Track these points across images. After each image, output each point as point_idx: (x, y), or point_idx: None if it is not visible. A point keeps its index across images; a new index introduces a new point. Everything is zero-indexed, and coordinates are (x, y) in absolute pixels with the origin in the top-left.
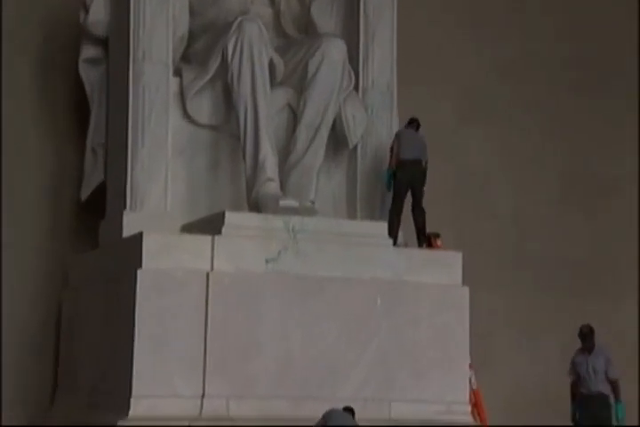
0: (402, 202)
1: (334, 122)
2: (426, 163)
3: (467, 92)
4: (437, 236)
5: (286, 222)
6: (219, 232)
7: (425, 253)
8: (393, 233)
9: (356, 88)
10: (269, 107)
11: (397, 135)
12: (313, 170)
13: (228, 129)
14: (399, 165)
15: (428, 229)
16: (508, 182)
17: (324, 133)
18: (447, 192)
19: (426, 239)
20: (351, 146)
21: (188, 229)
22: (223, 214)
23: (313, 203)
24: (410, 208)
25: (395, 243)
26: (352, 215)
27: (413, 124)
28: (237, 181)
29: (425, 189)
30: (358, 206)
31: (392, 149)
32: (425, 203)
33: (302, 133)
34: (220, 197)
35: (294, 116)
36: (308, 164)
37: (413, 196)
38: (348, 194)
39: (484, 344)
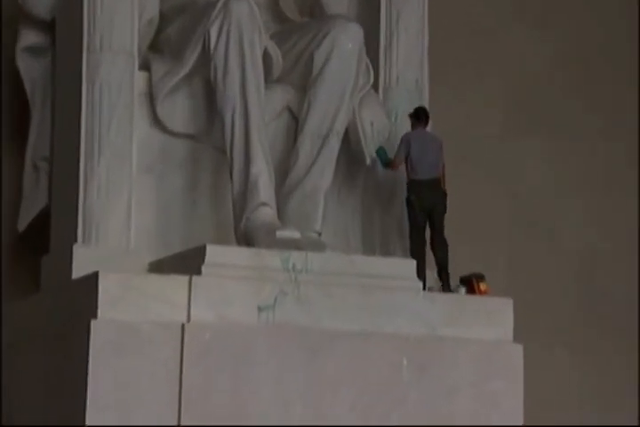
0: (423, 233)
1: (347, 130)
2: (442, 167)
3: (521, 94)
4: (481, 278)
5: (285, 259)
6: (198, 272)
7: (465, 300)
8: (421, 273)
9: (376, 87)
10: (264, 111)
11: (406, 142)
12: (319, 192)
13: (211, 139)
14: (412, 186)
15: (468, 269)
16: (572, 209)
17: (334, 145)
18: (494, 221)
19: (466, 282)
20: (369, 161)
21: (158, 268)
22: (203, 249)
23: (319, 234)
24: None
25: (424, 286)
26: (369, 251)
27: (421, 118)
28: (222, 207)
29: (445, 215)
30: (377, 240)
31: (395, 159)
32: (465, 235)
33: (306, 145)
34: (199, 227)
35: (296, 122)
36: (312, 184)
37: (432, 225)
38: (364, 224)
39: (543, 420)
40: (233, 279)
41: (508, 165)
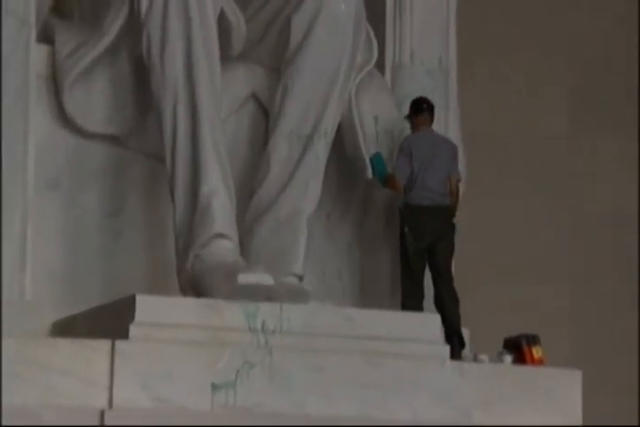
0: (419, 281)
1: (339, 128)
2: (458, 182)
3: (588, 80)
4: (535, 341)
5: (251, 315)
6: (124, 335)
7: (512, 372)
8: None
9: (381, 66)
10: (219, 101)
11: (406, 149)
12: (300, 218)
13: (142, 143)
14: (407, 213)
15: (513, 325)
16: None
17: (321, 150)
18: (553, 248)
19: (513, 347)
20: (371, 173)
21: (67, 329)
22: (132, 301)
23: (300, 278)
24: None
25: (452, 353)
26: (373, 301)
27: (423, 113)
28: (159, 239)
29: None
30: (384, 285)
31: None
32: (506, 274)
33: (281, 150)
34: (125, 269)
35: (266, 116)
36: (291, 206)
37: (434, 269)
38: (364, 262)
39: None
40: (175, 345)
41: (574, 175)
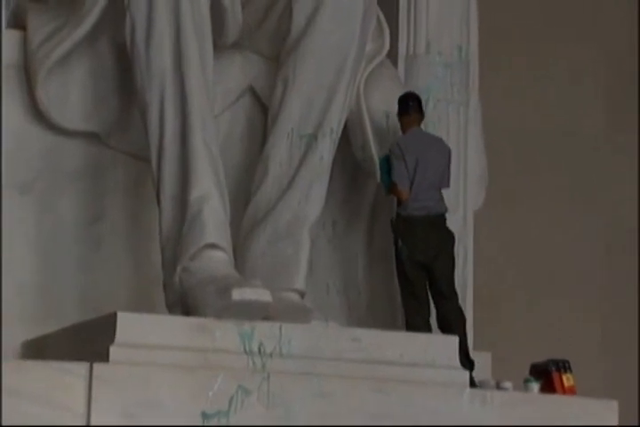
0: (423, 300)
1: (346, 126)
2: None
3: (624, 73)
4: (565, 367)
5: (247, 336)
6: (103, 357)
7: (541, 402)
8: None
9: (394, 57)
10: (212, 95)
11: (398, 152)
12: (302, 227)
13: (124, 141)
14: (400, 227)
15: (538, 349)
16: None
17: (326, 150)
18: (584, 264)
19: (540, 373)
20: (379, 179)
21: (39, 350)
22: (113, 319)
23: (302, 295)
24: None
25: (472, 381)
26: (385, 321)
27: (409, 110)
28: (142, 249)
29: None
30: (398, 303)
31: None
32: (533, 290)
33: (281, 150)
34: (105, 283)
35: (264, 112)
36: (291, 214)
37: (435, 287)
38: (374, 276)
39: None
40: (161, 369)
41: (608, 179)
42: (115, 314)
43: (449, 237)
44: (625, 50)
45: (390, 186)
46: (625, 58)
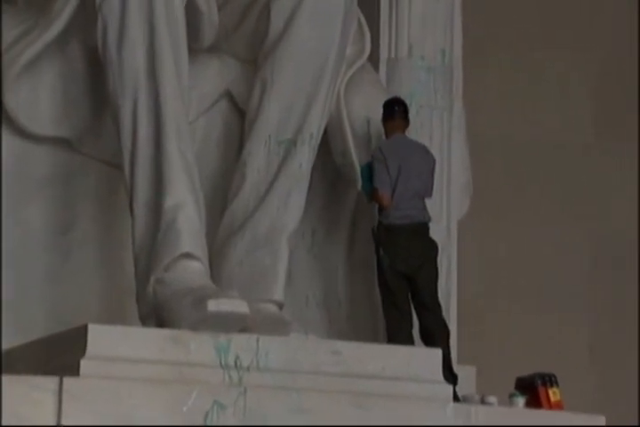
0: (406, 313)
1: (327, 132)
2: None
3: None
4: (552, 382)
5: (222, 349)
6: (73, 371)
7: (526, 417)
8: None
9: (374, 62)
10: (188, 100)
11: (379, 157)
12: (281, 236)
13: (95, 148)
14: (382, 236)
15: (526, 364)
16: None
17: (305, 157)
18: (572, 275)
19: (526, 388)
20: (360, 186)
21: (5, 364)
22: (84, 332)
23: (281, 307)
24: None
25: (455, 395)
26: (367, 333)
27: (394, 115)
28: (116, 261)
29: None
30: (379, 315)
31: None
32: (521, 300)
33: (258, 157)
34: (75, 296)
35: (241, 117)
36: (269, 222)
37: (418, 298)
38: (355, 287)
39: None
40: (133, 383)
41: (596, 190)
42: (86, 326)
43: (432, 247)
44: (616, 58)
45: (372, 192)
46: (615, 66)
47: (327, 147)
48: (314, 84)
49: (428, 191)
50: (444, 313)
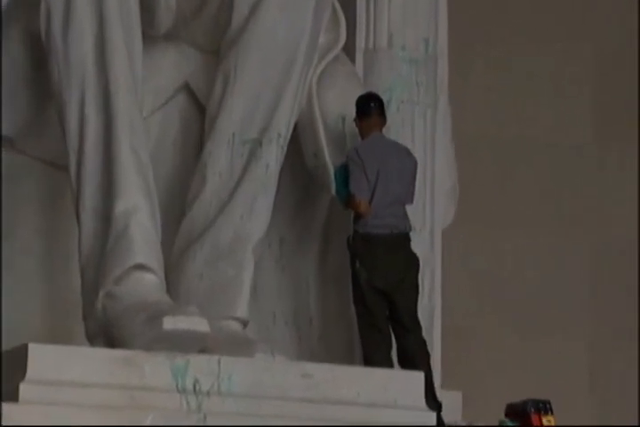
0: (384, 330)
1: (296, 130)
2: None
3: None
4: (546, 408)
5: (180, 371)
6: (12, 396)
7: None
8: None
9: (350, 52)
10: (141, 94)
11: (356, 160)
12: (245, 246)
13: (39, 148)
14: (358, 246)
15: (519, 388)
16: None
17: (272, 158)
18: (569, 290)
19: (518, 415)
20: (335, 191)
21: None
22: (24, 352)
23: (245, 324)
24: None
25: (440, 423)
26: (340, 354)
27: (371, 112)
28: (60, 272)
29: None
30: (354, 334)
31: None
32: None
33: (220, 157)
34: (16, 311)
35: (201, 113)
36: (233, 231)
37: (395, 317)
38: (326, 303)
39: None
40: (80, 410)
41: (594, 192)
42: (26, 346)
43: (413, 262)
44: (614, 55)
45: (347, 198)
46: (614, 63)
47: (297, 147)
48: (282, 77)
49: (409, 197)
50: (424, 333)
